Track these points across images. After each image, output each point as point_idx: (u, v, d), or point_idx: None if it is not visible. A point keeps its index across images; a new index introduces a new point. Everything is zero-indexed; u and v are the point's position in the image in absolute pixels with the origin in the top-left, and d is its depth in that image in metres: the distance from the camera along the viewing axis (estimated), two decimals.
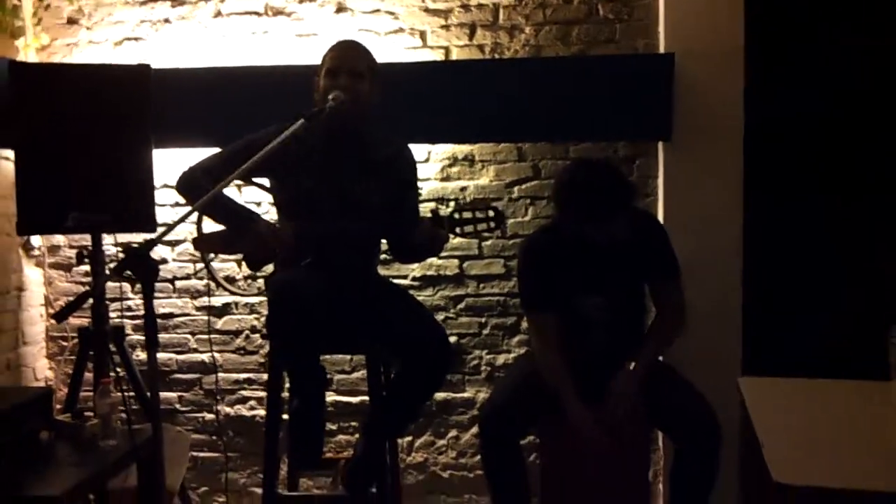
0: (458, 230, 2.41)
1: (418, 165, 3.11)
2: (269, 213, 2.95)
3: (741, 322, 3.00)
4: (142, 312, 1.95)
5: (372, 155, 2.58)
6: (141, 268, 1.90)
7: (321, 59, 2.55)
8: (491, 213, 2.40)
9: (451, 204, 3.11)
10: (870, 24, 3.03)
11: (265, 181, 2.73)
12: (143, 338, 2.44)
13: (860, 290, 3.06)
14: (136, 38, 3.24)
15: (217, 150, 2.59)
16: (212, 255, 2.92)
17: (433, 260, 3.19)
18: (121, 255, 2.92)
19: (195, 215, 2.79)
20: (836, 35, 3.05)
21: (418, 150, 3.12)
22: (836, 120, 3.07)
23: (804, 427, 1.82)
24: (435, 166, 3.17)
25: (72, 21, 3.27)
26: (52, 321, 3.32)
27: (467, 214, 2.40)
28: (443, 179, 3.15)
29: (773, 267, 3.12)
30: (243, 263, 2.77)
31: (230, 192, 3.08)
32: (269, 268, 2.66)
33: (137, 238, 2.83)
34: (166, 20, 3.22)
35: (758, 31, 2.98)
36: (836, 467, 1.53)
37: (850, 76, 3.06)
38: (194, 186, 2.46)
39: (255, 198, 3.17)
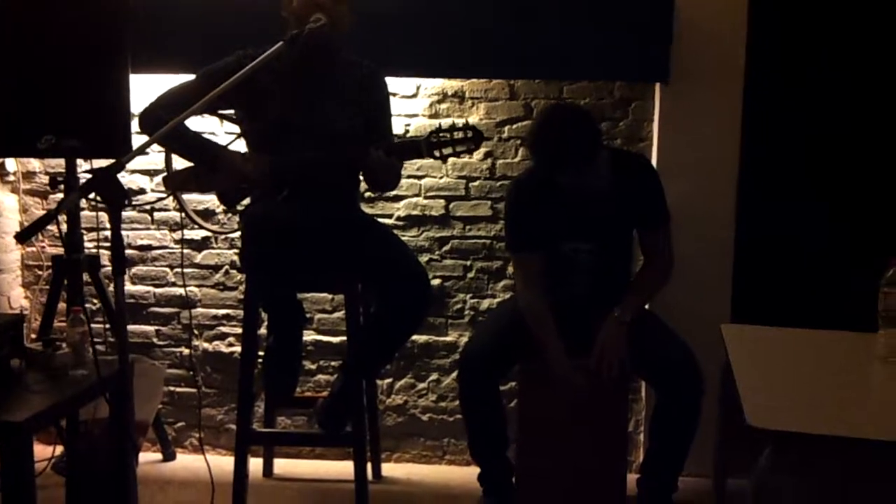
0: (436, 153, 2.34)
1: (406, 101, 3.06)
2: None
3: (732, 269, 2.94)
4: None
5: (343, 78, 2.50)
6: (107, 190, 1.84)
7: None
8: (469, 133, 2.34)
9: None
10: None
11: (231, 114, 2.65)
12: None
13: (857, 241, 2.99)
14: None
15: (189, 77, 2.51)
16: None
17: (419, 200, 3.12)
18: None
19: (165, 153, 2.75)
20: None
21: (406, 85, 3.04)
22: (842, 64, 2.98)
23: (785, 375, 1.77)
24: (423, 102, 3.07)
25: None
26: (28, 249, 3.25)
27: (444, 136, 2.33)
28: (431, 116, 3.05)
29: (768, 214, 3.06)
30: None
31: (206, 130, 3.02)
32: (247, 201, 2.59)
33: None
34: None
35: None
36: (812, 414, 1.48)
37: (856, 19, 2.95)
38: (156, 122, 2.34)
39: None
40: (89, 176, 1.83)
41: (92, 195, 1.86)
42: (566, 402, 2.52)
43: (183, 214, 2.97)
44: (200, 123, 3.02)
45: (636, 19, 2.85)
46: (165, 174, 2.82)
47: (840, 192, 3.02)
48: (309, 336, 3.16)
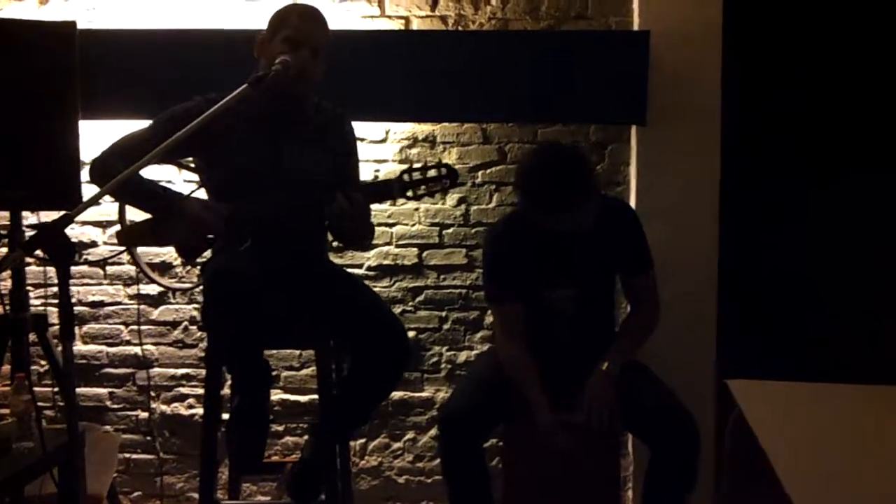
0: (409, 193, 2.23)
1: (375, 146, 2.97)
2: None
3: (716, 317, 2.88)
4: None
5: (308, 123, 2.41)
6: (54, 247, 1.70)
7: (275, 20, 2.34)
8: (443, 171, 2.23)
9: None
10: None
11: (189, 161, 2.55)
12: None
13: (844, 284, 2.95)
14: None
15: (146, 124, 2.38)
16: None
17: (390, 248, 3.01)
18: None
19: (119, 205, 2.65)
20: (818, 14, 2.93)
21: (375, 129, 2.96)
22: (819, 102, 2.96)
23: (817, 442, 1.62)
24: (393, 147, 2.98)
25: None
26: None
27: (417, 175, 2.22)
28: (402, 161, 2.96)
29: (751, 259, 3.00)
30: None
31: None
32: (208, 254, 2.44)
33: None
34: None
35: (736, 9, 2.85)
36: (862, 493, 1.34)
37: (832, 57, 2.95)
38: (108, 171, 2.19)
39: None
40: (34, 231, 1.70)
41: (38, 252, 1.72)
42: (553, 460, 2.41)
43: (138, 269, 2.82)
44: (157, 172, 2.89)
45: (611, 61, 2.82)
46: (119, 228, 2.67)
47: (824, 232, 2.99)
48: (275, 395, 3.01)
